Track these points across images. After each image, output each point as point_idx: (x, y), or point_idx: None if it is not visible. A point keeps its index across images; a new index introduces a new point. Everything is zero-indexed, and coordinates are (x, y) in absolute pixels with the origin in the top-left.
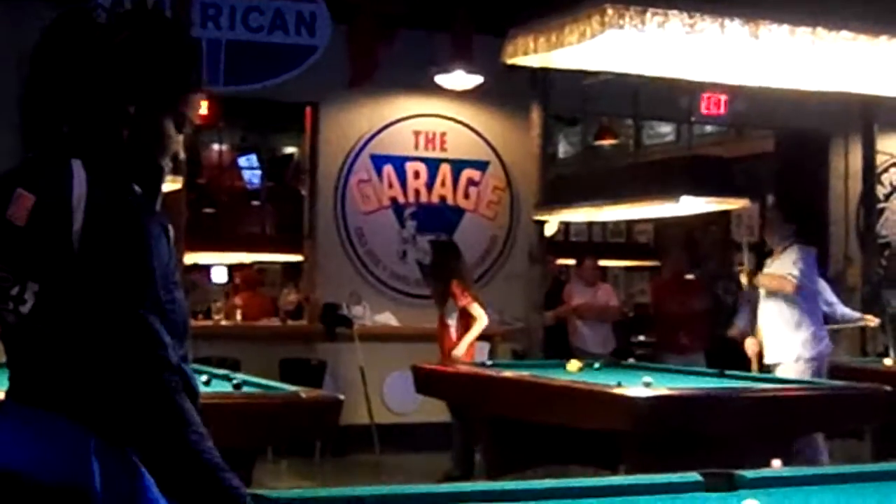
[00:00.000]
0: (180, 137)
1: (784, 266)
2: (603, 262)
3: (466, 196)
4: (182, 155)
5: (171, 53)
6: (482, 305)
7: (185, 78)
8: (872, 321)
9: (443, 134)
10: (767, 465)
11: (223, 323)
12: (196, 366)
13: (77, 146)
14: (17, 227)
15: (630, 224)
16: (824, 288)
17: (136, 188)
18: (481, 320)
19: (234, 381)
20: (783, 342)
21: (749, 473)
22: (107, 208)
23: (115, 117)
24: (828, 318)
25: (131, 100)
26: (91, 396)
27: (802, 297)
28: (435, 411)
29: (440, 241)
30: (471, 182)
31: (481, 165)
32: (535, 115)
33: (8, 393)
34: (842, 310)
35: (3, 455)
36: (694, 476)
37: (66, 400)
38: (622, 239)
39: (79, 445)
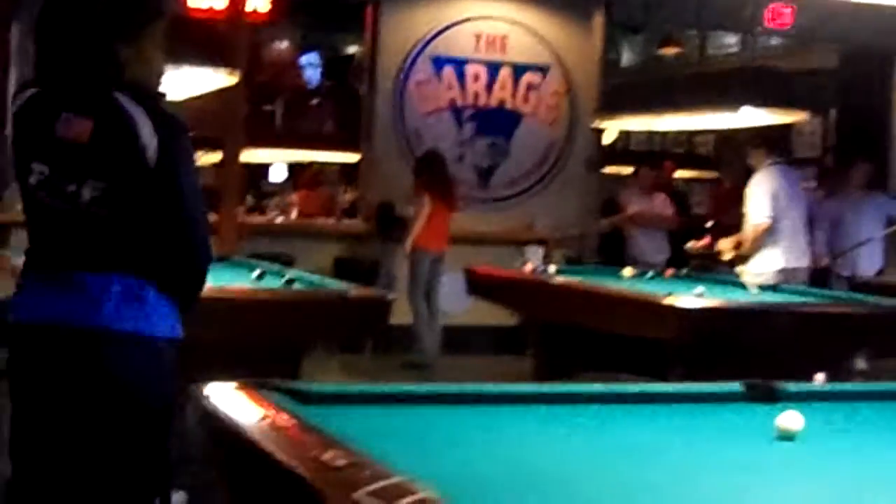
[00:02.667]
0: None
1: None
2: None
3: (526, 100)
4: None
5: (122, 9)
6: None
7: (141, 14)
8: None
9: (504, 37)
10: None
11: (278, 220)
12: (251, 261)
13: (102, 78)
14: (77, 145)
15: (690, 135)
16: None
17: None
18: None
19: (286, 277)
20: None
21: (791, 386)
22: (171, 133)
23: (109, 54)
24: None
25: (116, 39)
26: (141, 257)
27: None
28: (487, 315)
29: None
30: (530, 86)
31: (542, 70)
32: (598, 21)
33: (34, 264)
34: None
35: (43, 310)
36: (735, 386)
37: (112, 260)
38: (682, 149)
39: (101, 293)
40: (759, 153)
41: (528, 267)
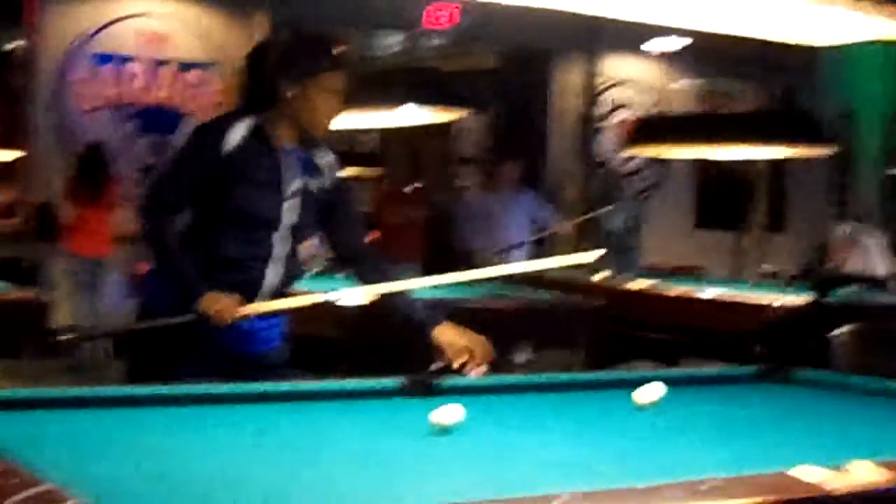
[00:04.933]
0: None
1: None
2: None
3: (188, 99)
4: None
5: (293, 55)
6: None
7: (307, 68)
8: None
9: (167, 34)
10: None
11: None
12: None
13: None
14: None
15: (355, 133)
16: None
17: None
18: None
19: None
20: None
21: (448, 380)
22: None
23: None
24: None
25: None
26: None
27: None
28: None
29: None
30: (193, 84)
31: (205, 67)
32: (261, 19)
33: None
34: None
35: None
36: (393, 381)
37: None
38: (346, 147)
39: None
40: None
41: None
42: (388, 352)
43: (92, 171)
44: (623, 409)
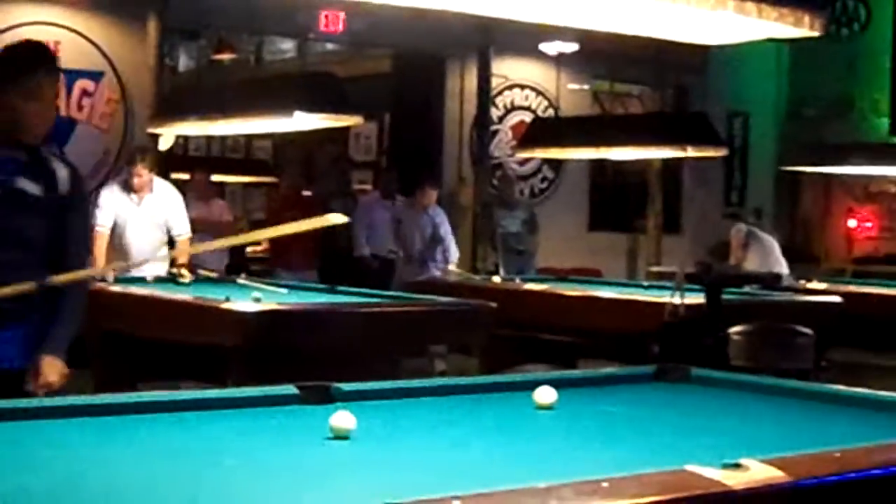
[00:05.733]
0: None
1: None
2: (221, 178)
3: (80, 107)
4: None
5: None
6: None
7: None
8: None
9: (56, 42)
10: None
11: None
12: None
13: None
14: None
15: (249, 140)
16: None
17: None
18: None
19: None
20: None
21: (345, 386)
22: None
23: None
24: None
25: None
26: None
27: None
28: None
29: None
30: (84, 93)
31: (95, 76)
32: (152, 26)
33: None
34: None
35: None
36: (290, 388)
37: None
38: (240, 154)
39: None
40: None
41: None
42: (284, 358)
43: None
44: (521, 412)
